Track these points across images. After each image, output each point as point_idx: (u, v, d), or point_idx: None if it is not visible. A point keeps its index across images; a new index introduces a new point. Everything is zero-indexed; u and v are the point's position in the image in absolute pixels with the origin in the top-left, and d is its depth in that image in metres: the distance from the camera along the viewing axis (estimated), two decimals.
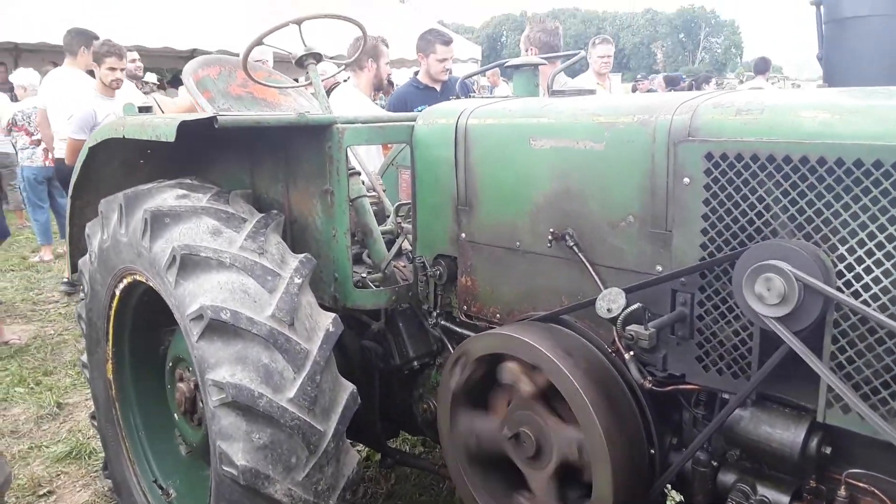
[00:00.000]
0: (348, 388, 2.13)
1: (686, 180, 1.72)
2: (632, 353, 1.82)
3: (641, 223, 1.86)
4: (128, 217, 2.32)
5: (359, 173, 2.77)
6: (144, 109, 2.66)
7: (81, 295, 2.81)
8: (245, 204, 2.37)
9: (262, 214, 2.31)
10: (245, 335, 1.95)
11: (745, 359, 1.67)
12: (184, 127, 2.11)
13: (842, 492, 1.56)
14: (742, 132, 1.64)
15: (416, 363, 2.54)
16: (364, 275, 2.58)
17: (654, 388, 1.80)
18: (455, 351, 2.11)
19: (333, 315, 2.17)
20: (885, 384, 1.47)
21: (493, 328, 2.18)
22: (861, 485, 1.57)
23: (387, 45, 4.76)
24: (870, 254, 1.47)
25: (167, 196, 2.27)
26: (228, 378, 1.92)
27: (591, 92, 2.50)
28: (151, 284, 2.29)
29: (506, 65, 2.77)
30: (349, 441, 2.26)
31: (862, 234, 1.48)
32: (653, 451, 1.85)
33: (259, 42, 2.79)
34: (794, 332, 1.51)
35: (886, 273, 1.45)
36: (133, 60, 6.99)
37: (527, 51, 4.59)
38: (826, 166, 1.50)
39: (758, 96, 1.71)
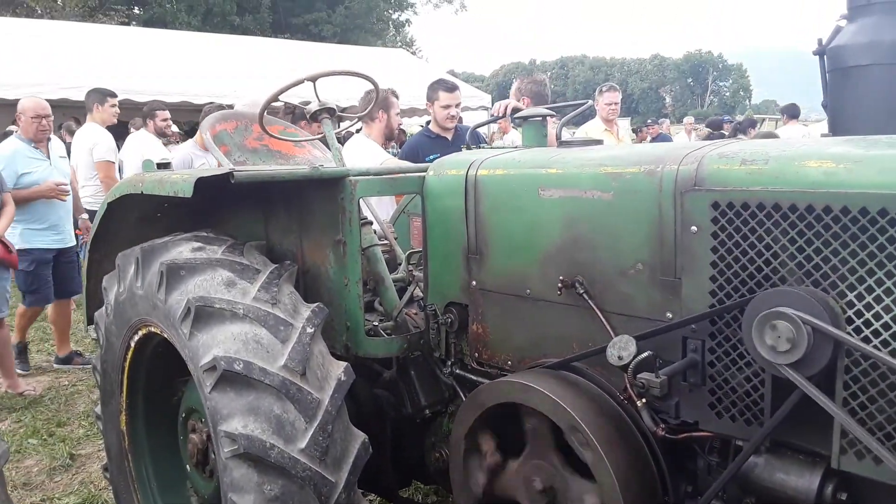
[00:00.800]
0: (360, 437, 2.13)
1: (694, 229, 1.75)
2: (644, 400, 1.81)
3: (651, 271, 1.88)
4: (144, 270, 2.37)
5: (370, 222, 2.81)
6: (163, 166, 2.74)
7: (96, 348, 2.84)
8: (259, 255, 2.42)
9: (276, 265, 2.35)
10: (258, 385, 1.96)
11: (758, 405, 1.67)
12: (201, 183, 2.17)
13: None
14: (748, 182, 1.67)
15: (428, 411, 2.54)
16: (376, 323, 2.60)
17: (667, 435, 1.79)
18: (467, 399, 2.11)
19: (345, 364, 2.19)
20: None
21: (504, 376, 2.18)
22: None
23: (397, 97, 4.88)
24: (878, 300, 1.48)
25: (183, 249, 2.32)
26: (241, 429, 1.93)
27: (599, 142, 2.55)
28: (166, 336, 2.32)
29: (515, 116, 2.83)
30: (361, 491, 2.25)
31: (870, 281, 1.49)
32: (668, 500, 1.83)
33: (275, 98, 2.88)
34: (807, 378, 1.51)
35: (895, 319, 1.45)
36: (165, 119, 7.31)
37: (519, 101, 4.69)
38: (832, 214, 1.52)
39: (762, 146, 1.75)
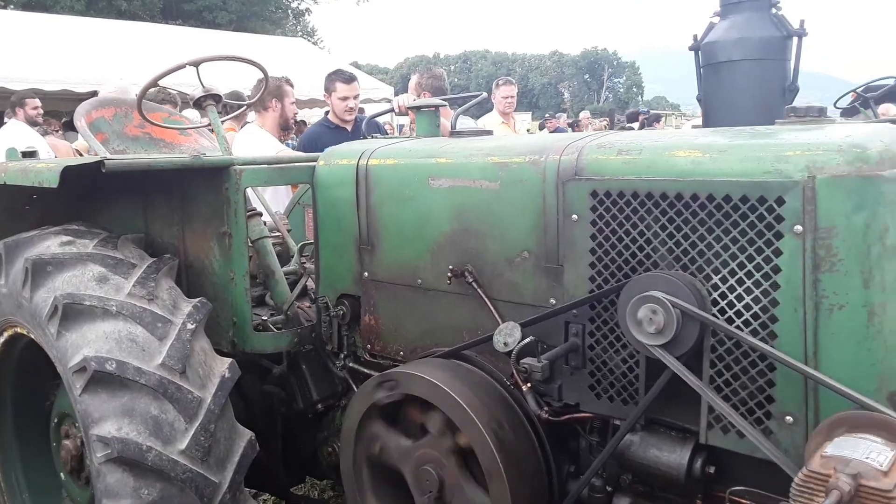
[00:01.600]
0: (246, 435, 2.06)
1: (574, 217, 1.80)
2: (529, 384, 1.85)
3: (536, 259, 1.92)
4: (8, 266, 2.19)
5: (260, 214, 2.73)
6: (28, 154, 2.54)
7: None
8: (135, 249, 2.29)
9: (154, 259, 2.23)
10: (132, 386, 1.86)
11: (634, 385, 1.74)
12: (68, 171, 2.02)
13: None
14: (623, 171, 1.73)
15: (320, 406, 2.50)
16: (265, 317, 2.53)
17: (550, 417, 1.84)
18: (356, 393, 2.09)
19: (230, 361, 2.11)
20: (760, 404, 1.56)
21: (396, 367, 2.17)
22: (744, 502, 1.64)
23: (291, 85, 4.75)
24: (741, 282, 1.57)
25: (50, 243, 2.17)
26: (114, 432, 1.82)
27: (489, 132, 2.58)
28: (33, 337, 2.16)
29: (408, 106, 2.82)
30: (251, 490, 2.18)
31: (733, 265, 1.58)
32: (552, 480, 1.88)
33: (154, 84, 2.73)
34: (676, 358, 1.58)
35: (756, 300, 1.55)
36: (35, 108, 6.83)
37: (419, 96, 4.69)
38: (699, 202, 1.60)
39: (637, 137, 1.82)
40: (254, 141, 4.28)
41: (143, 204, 2.60)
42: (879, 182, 1.44)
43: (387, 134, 4.40)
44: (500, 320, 1.96)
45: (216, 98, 2.80)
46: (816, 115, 1.66)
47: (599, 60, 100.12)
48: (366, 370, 2.34)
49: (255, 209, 2.67)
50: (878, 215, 1.44)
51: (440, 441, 1.91)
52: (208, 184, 2.33)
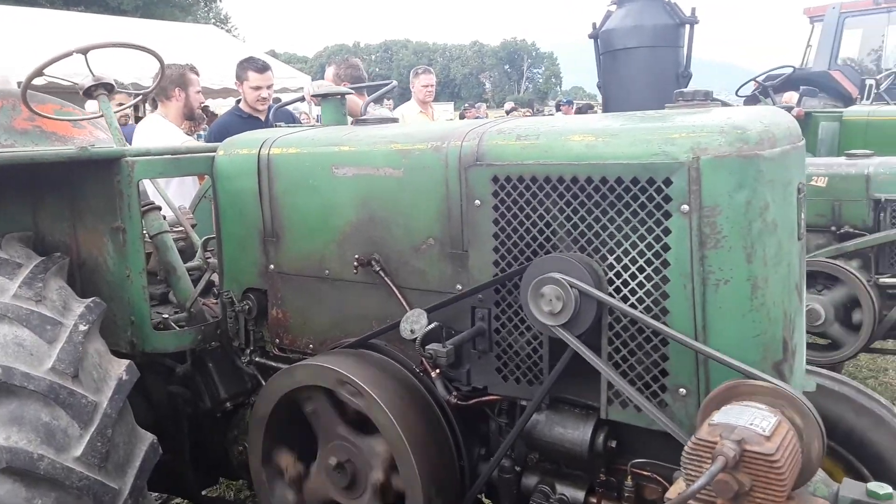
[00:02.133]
0: (147, 439, 1.98)
1: (477, 202, 1.81)
2: (438, 370, 1.86)
3: (441, 245, 1.92)
4: None
5: (159, 208, 2.62)
6: None
7: None
8: (22, 248, 2.16)
9: (42, 258, 2.11)
10: (20, 392, 1.75)
11: (538, 366, 1.78)
12: None
13: (628, 481, 1.70)
14: (522, 156, 1.75)
15: (229, 404, 2.43)
16: (166, 315, 2.43)
17: (459, 402, 1.86)
18: (260, 392, 2.05)
19: (127, 362, 2.02)
20: (655, 378, 1.62)
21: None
22: (645, 473, 1.71)
23: (196, 73, 4.58)
24: (633, 262, 1.62)
25: None
26: (2, 442, 1.71)
27: (394, 120, 2.56)
28: None
29: (311, 94, 2.77)
30: (159, 495, 2.10)
31: (626, 244, 1.63)
32: (463, 464, 1.89)
33: (39, 73, 2.57)
34: (576, 337, 1.62)
35: (648, 278, 1.60)
36: None
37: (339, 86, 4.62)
38: (593, 184, 1.64)
39: (535, 123, 1.84)
40: (155, 132, 4.10)
41: (32, 200, 2.45)
42: (759, 161, 1.51)
43: (299, 123, 4.31)
44: (407, 308, 1.95)
45: (108, 87, 2.66)
46: (703, 98, 1.73)
47: (519, 51, 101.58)
48: (275, 365, 2.29)
49: (152, 203, 2.56)
50: (758, 193, 1.51)
51: (350, 431, 1.89)
52: (99, 177, 2.22)
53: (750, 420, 1.30)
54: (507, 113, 14.99)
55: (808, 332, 3.61)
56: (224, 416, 2.48)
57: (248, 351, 2.35)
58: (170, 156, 2.35)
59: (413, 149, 1.95)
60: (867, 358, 5.02)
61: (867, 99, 7.75)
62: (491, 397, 1.87)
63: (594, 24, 2.52)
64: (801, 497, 1.35)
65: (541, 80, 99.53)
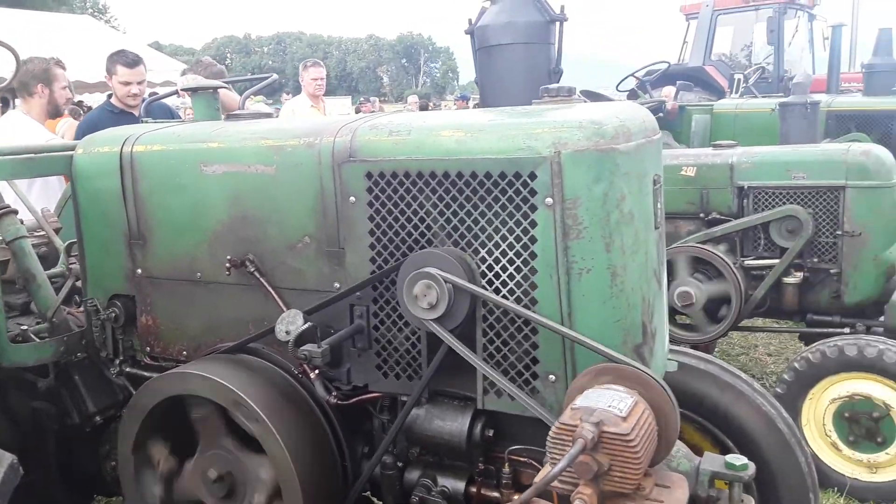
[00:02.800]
0: (6, 459, 1.84)
1: (352, 199, 1.80)
2: (317, 371, 1.84)
3: (317, 243, 1.89)
4: None
5: (15, 211, 2.43)
6: None
7: None
8: None
9: None
10: None
11: (417, 361, 1.79)
12: None
13: (506, 468, 1.74)
14: (394, 152, 1.75)
15: (98, 418, 2.30)
16: (25, 326, 2.27)
17: (340, 401, 1.84)
18: (128, 405, 1.95)
19: None
20: (527, 367, 1.67)
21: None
22: (522, 459, 1.76)
23: (63, 68, 4.29)
24: (504, 254, 1.66)
25: None
26: None
27: (268, 115, 2.49)
28: None
29: (182, 88, 2.65)
30: None
31: (496, 237, 1.66)
32: (346, 463, 1.88)
33: None
34: (450, 330, 1.64)
35: (518, 269, 1.64)
36: None
37: None
38: (463, 179, 1.66)
39: (408, 118, 1.84)
40: (15, 130, 3.80)
41: None
42: (615, 155, 1.58)
43: (179, 118, 4.13)
44: (284, 308, 1.91)
45: None
46: (566, 95, 1.78)
47: (415, 45, 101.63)
48: (146, 374, 2.18)
49: (8, 206, 2.38)
50: (614, 185, 1.58)
51: (226, 439, 1.83)
52: None
53: (609, 402, 1.36)
54: (424, 110, 14.95)
55: (682, 313, 3.85)
56: (94, 430, 2.34)
57: (117, 361, 2.23)
58: (24, 155, 2.19)
59: (285, 145, 1.91)
60: (739, 335, 5.38)
61: (736, 93, 8.31)
62: (372, 394, 1.86)
63: (470, 21, 2.55)
64: (658, 473, 1.43)
65: (438, 75, 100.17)
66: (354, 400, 1.86)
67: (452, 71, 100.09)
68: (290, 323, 1.80)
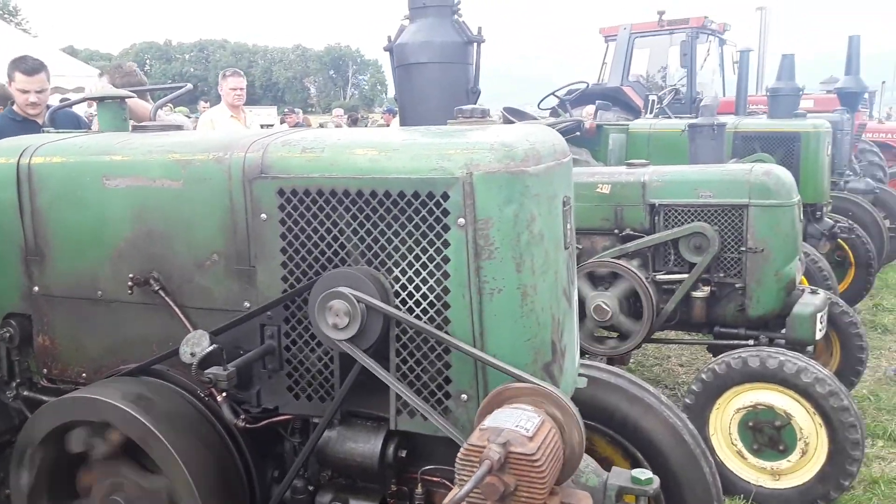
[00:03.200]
0: None
1: (263, 216, 1.76)
2: (224, 394, 1.78)
3: (226, 261, 1.84)
4: None
5: None
6: None
7: None
8: None
9: None
10: None
11: (330, 382, 1.76)
12: None
13: (419, 489, 1.73)
14: (308, 169, 1.72)
15: None
16: None
17: (248, 425, 1.79)
18: (21, 432, 1.84)
19: None
20: (440, 386, 1.67)
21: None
22: (435, 479, 1.75)
23: None
24: (417, 274, 1.66)
25: None
26: None
27: (179, 127, 2.41)
28: None
29: (85, 97, 2.54)
30: None
31: (410, 257, 1.66)
32: (254, 487, 1.83)
33: None
34: (364, 350, 1.63)
35: (431, 289, 1.65)
36: None
37: None
38: (377, 198, 1.66)
39: (321, 135, 1.82)
40: None
41: None
42: (525, 177, 1.61)
43: (88, 128, 3.94)
44: (190, 329, 1.85)
45: None
46: (480, 116, 1.80)
47: (344, 57, 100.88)
48: (44, 397, 2.06)
49: None
50: (525, 207, 1.61)
51: (125, 466, 1.75)
52: None
53: (516, 422, 1.37)
54: (353, 122, 14.61)
55: (599, 327, 3.95)
56: None
57: (13, 384, 2.11)
58: None
59: (193, 159, 1.85)
60: (653, 347, 5.57)
61: (650, 113, 8.65)
62: (282, 417, 1.82)
63: (389, 38, 2.55)
64: (564, 490, 1.45)
65: (367, 88, 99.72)
66: (264, 423, 1.81)
67: (381, 84, 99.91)
68: (196, 344, 1.74)
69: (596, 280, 3.92)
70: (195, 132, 2.24)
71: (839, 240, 6.07)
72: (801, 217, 3.94)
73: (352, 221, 1.70)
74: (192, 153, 1.86)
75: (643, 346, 4.43)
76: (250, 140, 1.84)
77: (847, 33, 7.98)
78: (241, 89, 6.71)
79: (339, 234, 1.72)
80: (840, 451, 3.15)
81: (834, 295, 4.47)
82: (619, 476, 1.77)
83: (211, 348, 1.70)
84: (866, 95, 10.23)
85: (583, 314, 3.83)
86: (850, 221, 6.35)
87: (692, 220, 3.83)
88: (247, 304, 1.83)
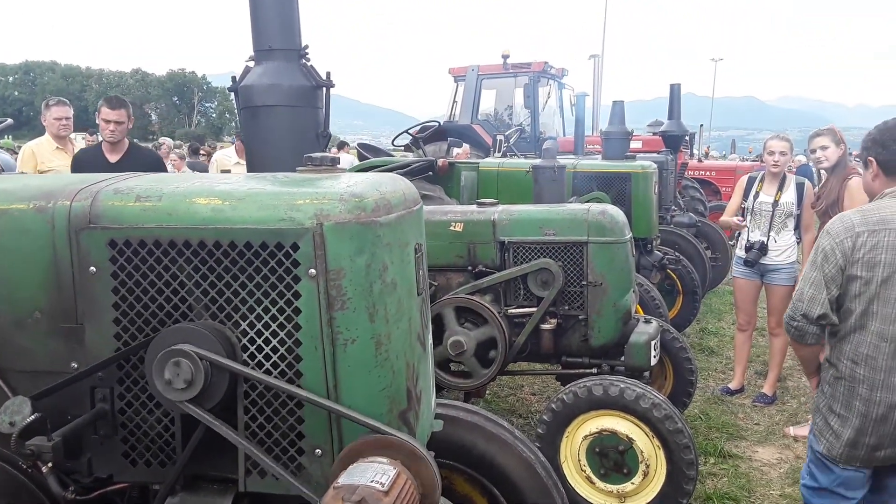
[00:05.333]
0: None
1: (92, 269, 1.63)
2: (50, 465, 1.61)
3: (50, 319, 1.68)
4: None
5: None
6: None
7: None
8: None
9: None
10: None
11: (171, 445, 1.65)
12: None
13: None
14: (143, 219, 1.62)
15: None
16: None
17: (78, 497, 1.63)
18: None
19: None
20: (292, 442, 1.61)
21: None
22: None
23: None
24: (266, 327, 1.60)
25: None
26: None
27: None
28: None
29: None
30: None
31: (258, 310, 1.60)
32: None
33: None
34: (209, 410, 1.54)
35: (282, 342, 1.60)
36: None
37: None
38: (222, 249, 1.59)
39: (157, 182, 1.72)
40: None
41: None
42: (376, 227, 1.62)
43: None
44: (10, 395, 1.66)
45: None
46: (329, 164, 1.79)
47: (188, 83, 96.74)
48: None
49: None
50: (376, 256, 1.61)
51: None
52: None
53: (371, 477, 1.36)
54: (195, 152, 13.45)
55: (453, 361, 4.02)
56: None
57: None
58: None
59: (10, 209, 1.68)
60: (507, 379, 5.76)
61: (498, 152, 9.06)
62: (117, 486, 1.67)
63: (233, 78, 2.49)
64: None
65: (214, 115, 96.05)
66: (96, 494, 1.65)
67: (230, 112, 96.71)
68: (15, 412, 1.56)
69: (451, 316, 4.00)
70: (13, 178, 2.04)
71: (668, 270, 6.65)
72: (634, 251, 4.27)
73: (193, 274, 1.61)
74: (9, 202, 1.69)
75: (498, 377, 4.56)
76: (77, 187, 1.70)
77: (670, 81, 8.83)
78: (68, 118, 6.24)
79: (179, 288, 1.63)
80: (677, 471, 3.41)
81: (665, 322, 4.88)
82: None
83: (32, 417, 1.54)
84: (687, 137, 11.39)
85: (438, 342, 3.89)
86: (677, 253, 6.99)
87: (538, 257, 4.03)
88: (74, 365, 1.67)
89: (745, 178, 5.69)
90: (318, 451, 1.60)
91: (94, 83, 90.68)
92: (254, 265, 1.59)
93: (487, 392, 5.26)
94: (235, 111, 2.53)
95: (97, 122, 5.32)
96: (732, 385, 5.77)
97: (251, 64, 2.46)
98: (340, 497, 1.30)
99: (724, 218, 5.75)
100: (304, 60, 2.44)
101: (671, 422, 3.40)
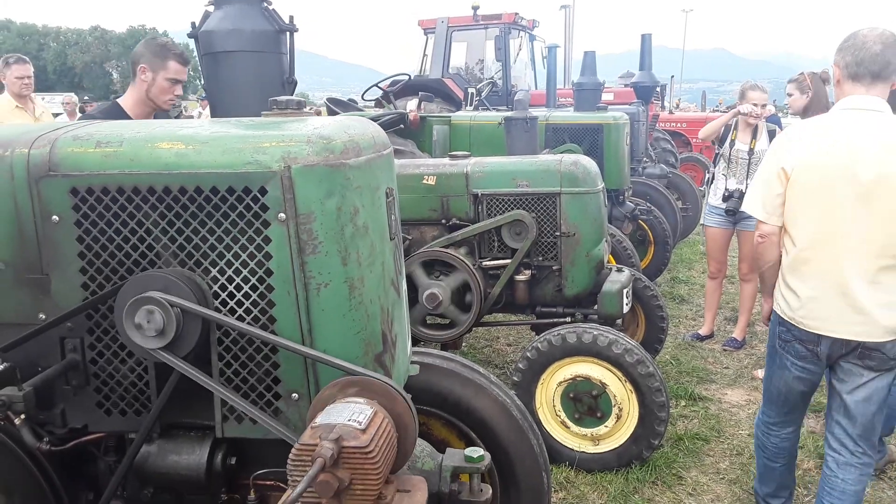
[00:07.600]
0: None
1: (55, 218, 1.59)
2: (22, 416, 1.59)
3: (15, 270, 1.64)
4: None
5: None
6: None
7: None
8: None
9: None
10: None
11: (145, 393, 1.64)
12: None
13: (252, 495, 1.66)
14: (104, 165, 1.57)
15: None
16: None
17: (53, 448, 1.62)
18: None
19: None
20: (268, 387, 1.61)
21: None
22: (268, 483, 1.69)
23: None
24: (237, 272, 1.58)
25: None
26: None
27: None
28: None
29: None
30: None
31: (228, 255, 1.58)
32: None
33: None
34: (183, 357, 1.53)
35: (254, 287, 1.58)
36: None
37: None
38: (188, 195, 1.55)
39: (117, 128, 1.67)
40: None
41: None
42: (345, 170, 1.59)
43: None
44: None
45: None
46: (296, 107, 1.75)
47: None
48: None
49: None
50: (347, 199, 1.59)
51: None
52: None
53: (349, 416, 1.36)
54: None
55: (430, 314, 4.04)
56: None
57: None
58: None
59: None
60: (483, 330, 5.81)
61: (470, 105, 8.97)
62: (92, 436, 1.66)
63: (193, 24, 2.40)
64: (399, 478, 1.47)
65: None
66: (71, 444, 1.64)
67: (194, 69, 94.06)
68: None
69: (427, 268, 4.00)
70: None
71: (640, 221, 6.71)
72: (606, 202, 4.29)
73: (160, 220, 1.58)
74: None
75: (474, 329, 4.60)
76: (34, 135, 1.64)
77: (641, 32, 8.78)
78: (29, 77, 6.05)
79: (145, 235, 1.59)
80: (649, 414, 3.49)
81: (637, 271, 4.94)
82: (453, 457, 1.82)
83: (3, 367, 1.51)
84: (658, 89, 11.38)
85: (415, 301, 3.90)
86: (649, 204, 7.05)
87: (512, 209, 4.03)
88: (42, 316, 1.64)
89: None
90: (294, 395, 1.60)
91: (52, 41, 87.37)
92: (221, 210, 1.56)
93: (464, 344, 5.31)
94: (198, 64, 2.44)
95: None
96: (702, 331, 5.90)
97: (210, 8, 2.38)
98: (318, 435, 1.30)
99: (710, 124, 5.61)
100: (265, 4, 2.36)
101: (643, 366, 3.47)
